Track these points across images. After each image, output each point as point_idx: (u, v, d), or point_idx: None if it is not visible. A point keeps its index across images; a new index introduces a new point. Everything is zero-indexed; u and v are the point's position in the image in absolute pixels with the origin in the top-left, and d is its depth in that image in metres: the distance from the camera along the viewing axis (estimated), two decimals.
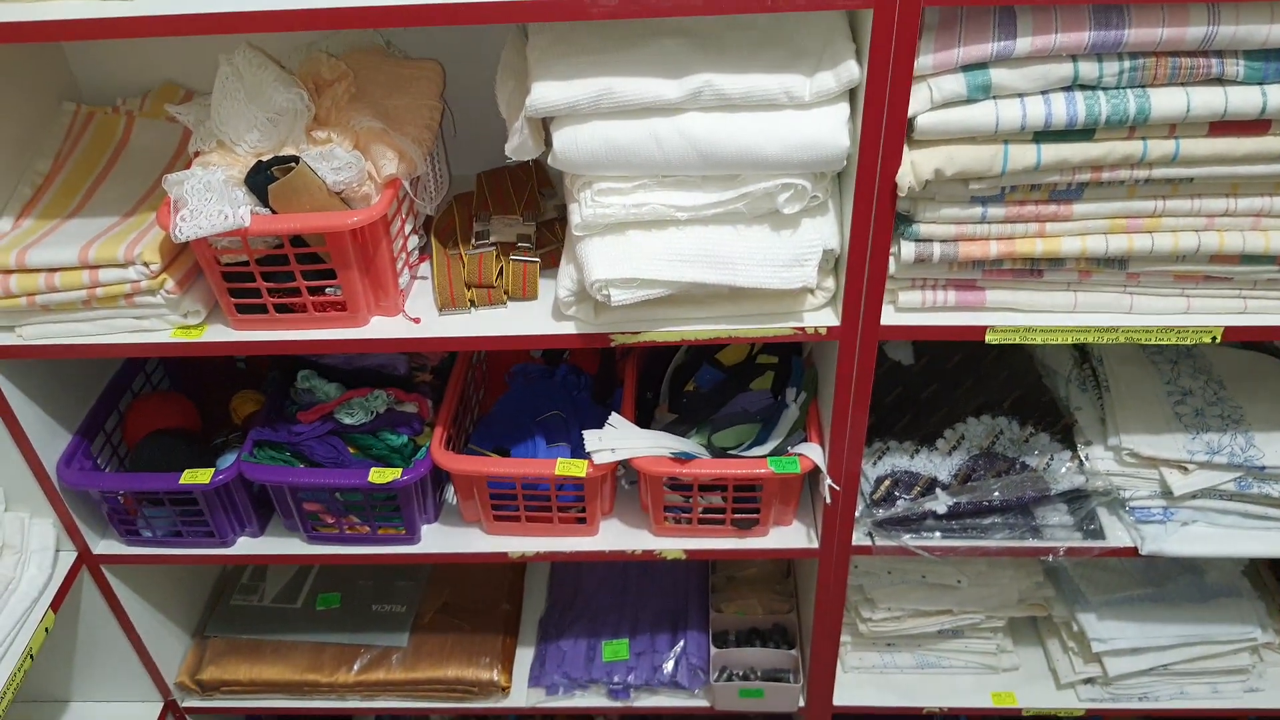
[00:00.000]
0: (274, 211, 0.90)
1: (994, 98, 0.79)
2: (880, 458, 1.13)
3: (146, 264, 0.92)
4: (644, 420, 1.15)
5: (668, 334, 0.94)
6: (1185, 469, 1.06)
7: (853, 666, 1.33)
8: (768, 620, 1.34)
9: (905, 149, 0.81)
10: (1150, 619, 1.23)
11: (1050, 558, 1.09)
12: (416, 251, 1.06)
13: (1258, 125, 0.80)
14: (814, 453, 1.04)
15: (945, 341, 1.10)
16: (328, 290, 0.95)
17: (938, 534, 1.09)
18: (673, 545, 1.13)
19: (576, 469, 1.05)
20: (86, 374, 1.18)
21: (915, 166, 0.81)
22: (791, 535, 1.14)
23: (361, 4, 0.75)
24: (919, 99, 0.79)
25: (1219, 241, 0.86)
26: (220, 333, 0.98)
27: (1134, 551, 1.08)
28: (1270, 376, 1.14)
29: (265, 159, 0.91)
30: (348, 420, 1.12)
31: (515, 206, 1.08)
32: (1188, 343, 0.91)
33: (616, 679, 1.30)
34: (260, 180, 0.89)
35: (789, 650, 1.29)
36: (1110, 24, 0.76)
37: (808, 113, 0.82)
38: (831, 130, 0.82)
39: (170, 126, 1.12)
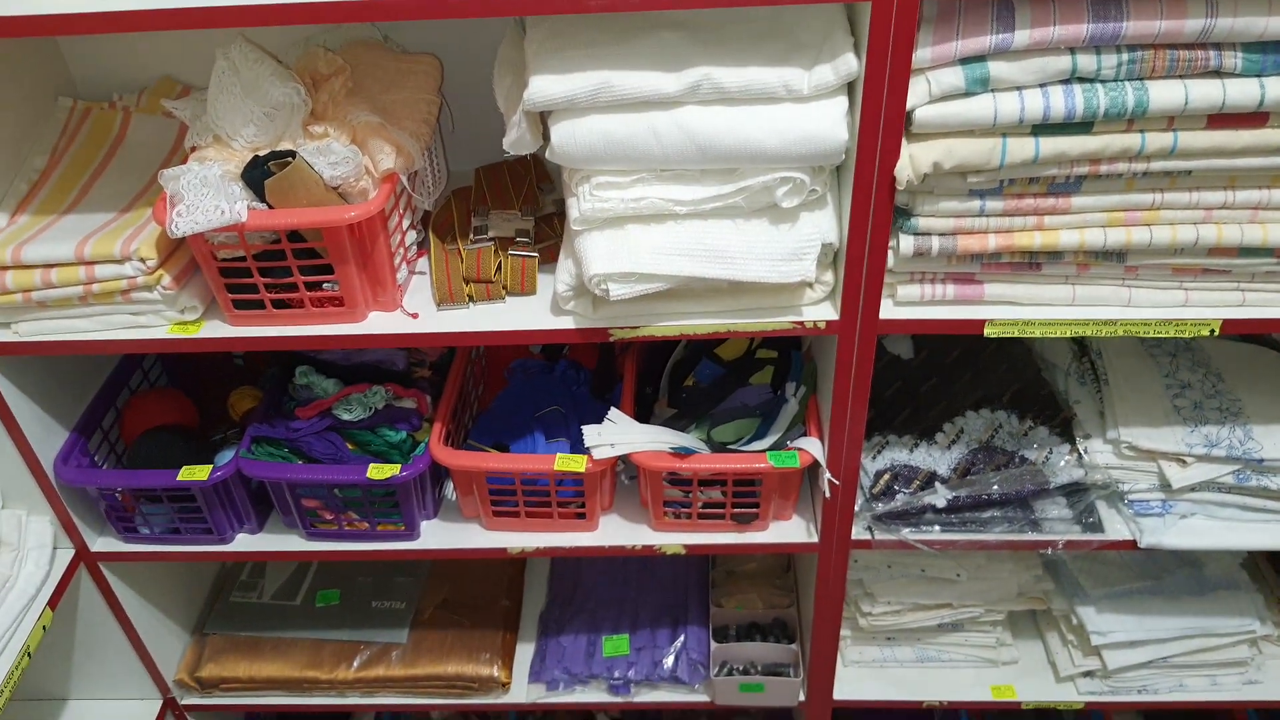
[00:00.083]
0: (271, 207, 0.90)
1: (992, 91, 0.79)
2: (879, 452, 1.13)
3: (143, 260, 0.92)
4: (643, 415, 1.15)
5: (666, 329, 0.94)
6: (1184, 462, 1.06)
7: (853, 661, 1.33)
8: (768, 615, 1.34)
9: (904, 142, 0.81)
10: (1149, 612, 1.24)
11: (1049, 551, 1.09)
12: (415, 247, 1.06)
13: (1255, 118, 0.80)
14: (813, 447, 1.04)
15: (945, 335, 1.10)
16: (325, 286, 0.95)
17: (937, 528, 1.09)
18: (672, 540, 1.13)
19: (576, 464, 1.05)
20: (84, 371, 1.18)
21: (914, 160, 0.81)
22: (791, 530, 1.14)
23: None
24: (917, 92, 0.79)
25: (1217, 234, 0.86)
26: (217, 329, 0.98)
27: (1133, 544, 1.08)
28: (1269, 369, 1.14)
29: (262, 154, 0.90)
30: (346, 416, 1.11)
31: (514, 201, 1.08)
32: (1186, 335, 0.91)
33: (617, 674, 1.30)
34: (257, 175, 0.88)
35: (789, 645, 1.29)
36: (1108, 16, 0.76)
37: (806, 106, 0.82)
38: (830, 123, 0.82)
39: (167, 122, 1.11)
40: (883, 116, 0.79)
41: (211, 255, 0.92)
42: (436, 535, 1.17)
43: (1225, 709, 1.28)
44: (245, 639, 1.37)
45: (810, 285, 0.93)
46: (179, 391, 1.27)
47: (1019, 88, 0.79)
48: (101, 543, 1.19)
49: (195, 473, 1.08)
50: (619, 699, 1.32)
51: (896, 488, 1.09)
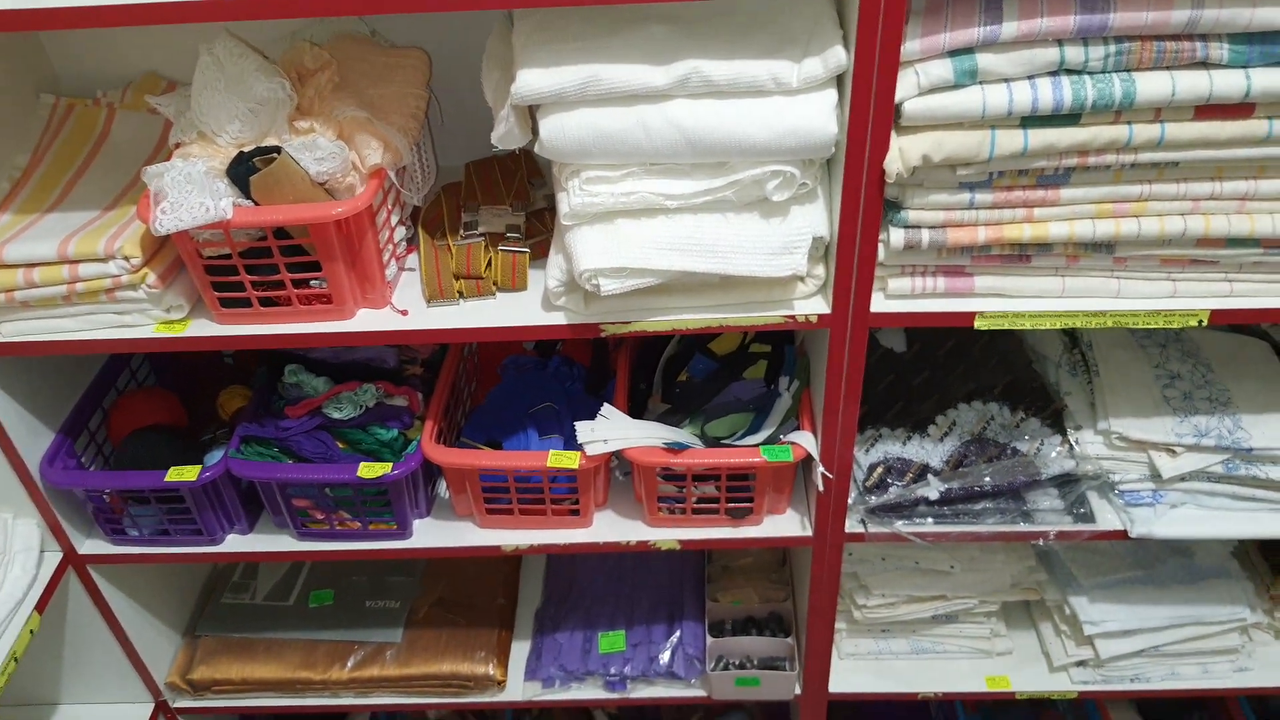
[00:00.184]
0: (256, 203, 0.89)
1: (981, 83, 0.79)
2: (873, 445, 1.13)
3: (127, 258, 0.91)
4: (637, 411, 1.15)
5: (658, 324, 0.94)
6: (1174, 452, 1.07)
7: (848, 653, 1.33)
8: (763, 609, 1.34)
9: (893, 135, 0.81)
10: (1141, 601, 1.24)
11: (1041, 542, 1.10)
12: (404, 243, 1.05)
13: (1241, 109, 0.81)
14: (807, 441, 1.04)
15: (936, 328, 1.10)
16: (313, 283, 0.94)
17: (930, 520, 1.10)
18: (667, 536, 1.13)
19: (569, 461, 1.05)
20: (70, 371, 1.17)
21: (903, 153, 0.81)
22: (785, 524, 1.14)
23: None
24: (906, 85, 0.79)
25: (1205, 225, 0.87)
26: (204, 327, 0.97)
27: (1124, 534, 1.08)
28: (1257, 359, 1.15)
29: (247, 150, 0.90)
30: (336, 415, 1.11)
31: (504, 196, 1.08)
32: (1175, 326, 0.92)
33: (613, 670, 1.30)
34: (242, 171, 0.88)
35: (785, 639, 1.30)
36: (1095, 8, 0.76)
37: (795, 99, 0.82)
38: (819, 117, 0.82)
39: (151, 118, 1.10)
40: (872, 109, 0.79)
41: (197, 253, 0.91)
42: (430, 534, 1.16)
43: (1217, 696, 1.29)
44: (238, 640, 1.36)
45: (801, 279, 0.93)
46: (167, 391, 1.26)
47: (1007, 80, 0.79)
48: (89, 545, 1.18)
49: (184, 473, 1.07)
50: (615, 695, 1.32)
51: (890, 480, 1.09)
